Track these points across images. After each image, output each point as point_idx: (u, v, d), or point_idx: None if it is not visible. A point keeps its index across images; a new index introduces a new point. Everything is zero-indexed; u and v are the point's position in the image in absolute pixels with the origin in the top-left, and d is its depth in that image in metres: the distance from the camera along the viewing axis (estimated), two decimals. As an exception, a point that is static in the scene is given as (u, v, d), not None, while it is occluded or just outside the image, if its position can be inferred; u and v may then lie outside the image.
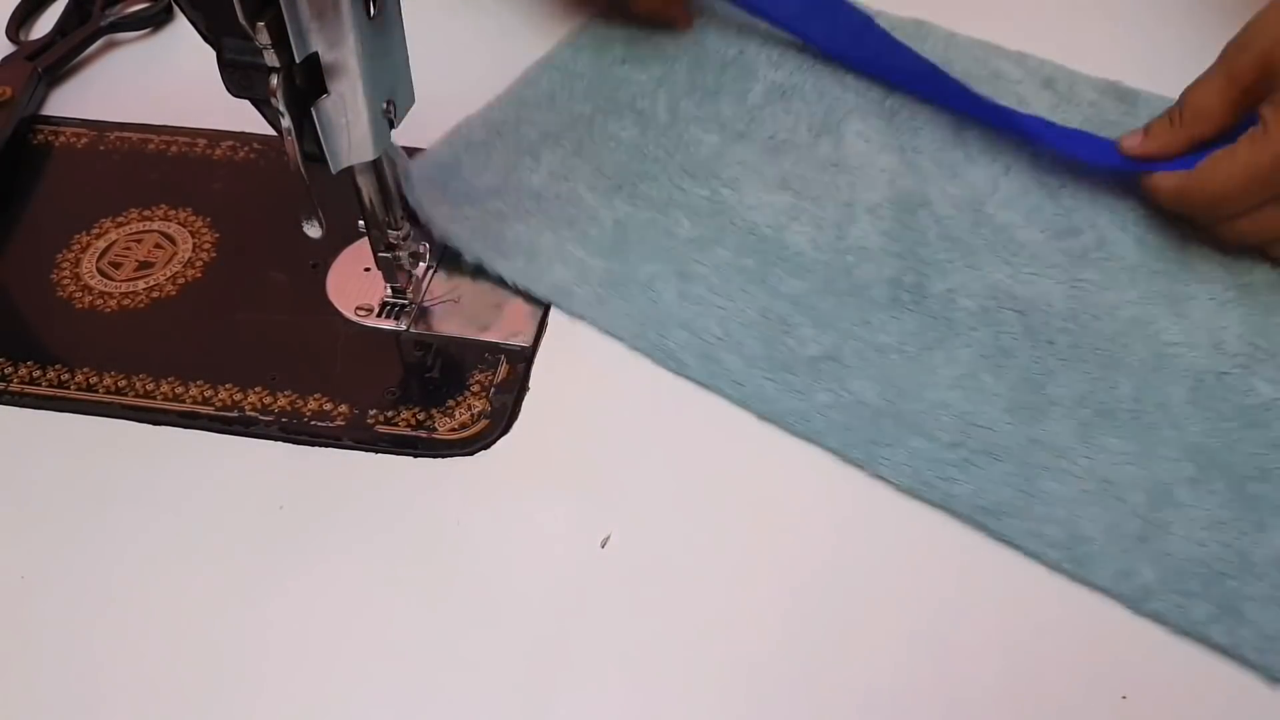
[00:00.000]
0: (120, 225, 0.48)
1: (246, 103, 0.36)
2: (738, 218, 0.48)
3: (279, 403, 0.41)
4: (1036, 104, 0.54)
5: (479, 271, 0.45)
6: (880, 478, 0.39)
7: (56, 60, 0.56)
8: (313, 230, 0.37)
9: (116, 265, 0.46)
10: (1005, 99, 0.54)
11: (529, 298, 0.45)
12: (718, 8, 0.58)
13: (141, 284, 0.46)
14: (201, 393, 0.42)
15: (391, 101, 0.38)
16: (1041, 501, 0.38)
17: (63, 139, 0.53)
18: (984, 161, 0.51)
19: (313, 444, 0.40)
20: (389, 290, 0.45)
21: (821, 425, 0.40)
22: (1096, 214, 0.48)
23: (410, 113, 0.40)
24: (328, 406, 0.41)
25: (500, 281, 0.45)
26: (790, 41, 0.57)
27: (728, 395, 0.41)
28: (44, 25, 0.59)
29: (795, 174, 0.50)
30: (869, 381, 0.42)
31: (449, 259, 0.46)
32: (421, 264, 0.45)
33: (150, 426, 0.41)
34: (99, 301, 0.45)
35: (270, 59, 0.33)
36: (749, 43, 0.57)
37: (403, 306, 0.44)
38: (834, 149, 0.52)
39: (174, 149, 0.52)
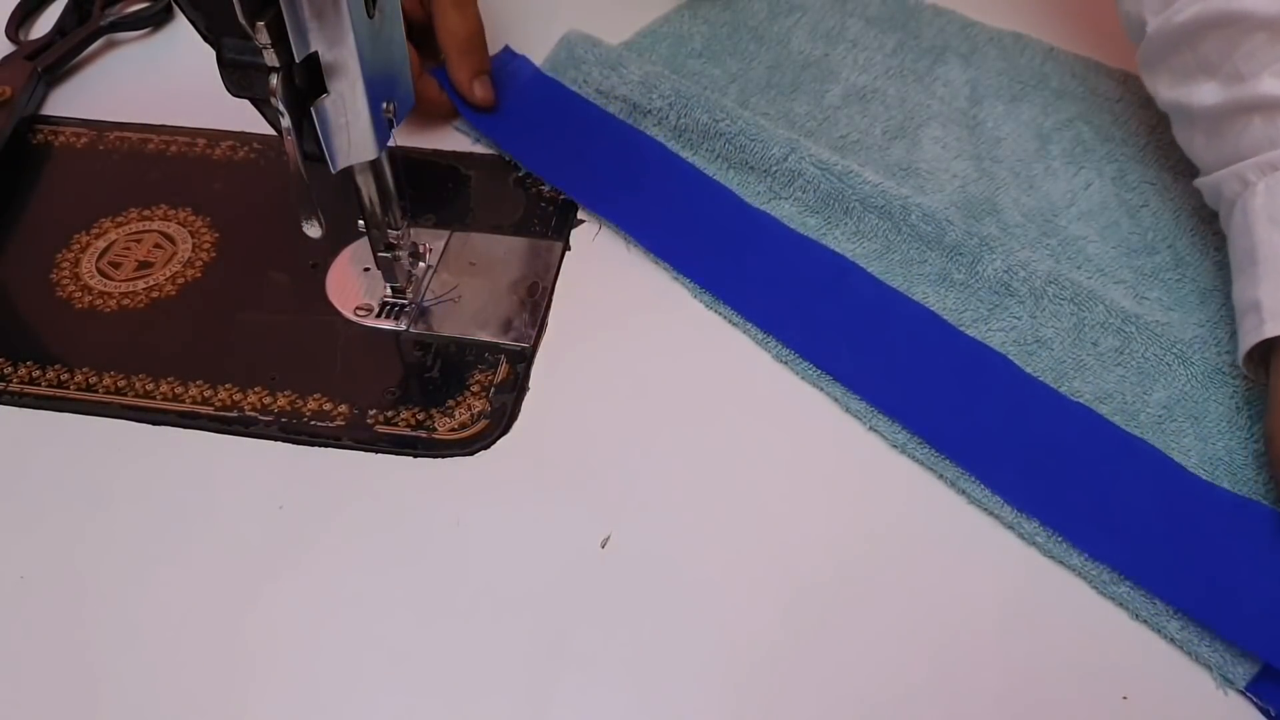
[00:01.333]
0: (120, 225, 0.48)
1: (246, 103, 0.36)
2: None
3: (278, 403, 0.41)
4: (1135, 124, 0.52)
5: (478, 271, 0.46)
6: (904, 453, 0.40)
7: (56, 60, 0.56)
8: (313, 230, 0.37)
9: (116, 265, 0.46)
10: (1099, 117, 0.52)
11: (529, 296, 0.45)
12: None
13: (141, 284, 0.46)
14: (201, 393, 0.42)
15: (392, 102, 0.38)
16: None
17: (62, 139, 0.53)
18: (1065, 175, 0.49)
19: (312, 444, 0.40)
20: (389, 290, 0.45)
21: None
22: (1178, 235, 0.47)
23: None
24: (327, 406, 0.41)
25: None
26: (879, 46, 0.56)
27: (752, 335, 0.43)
28: (44, 25, 0.59)
29: None
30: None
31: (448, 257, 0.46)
32: (421, 264, 0.45)
33: (150, 426, 0.41)
34: (98, 301, 0.45)
35: (270, 59, 0.33)
36: (836, 46, 0.56)
37: (402, 306, 0.44)
38: (907, 153, 0.50)
39: (174, 149, 0.52)
